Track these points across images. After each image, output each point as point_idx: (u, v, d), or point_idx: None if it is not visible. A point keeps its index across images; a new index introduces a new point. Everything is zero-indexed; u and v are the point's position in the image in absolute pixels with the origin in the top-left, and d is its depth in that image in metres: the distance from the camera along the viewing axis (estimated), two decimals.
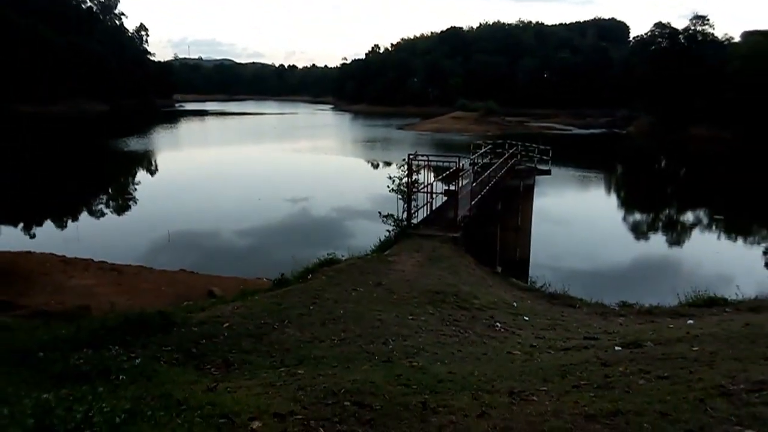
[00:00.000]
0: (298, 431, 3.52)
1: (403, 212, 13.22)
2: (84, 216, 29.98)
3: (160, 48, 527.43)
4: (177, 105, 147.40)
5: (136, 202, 35.15)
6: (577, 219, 31.55)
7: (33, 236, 24.76)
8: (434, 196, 14.82)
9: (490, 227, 18.37)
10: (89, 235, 26.05)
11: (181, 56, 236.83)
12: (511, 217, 23.02)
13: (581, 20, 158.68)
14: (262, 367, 5.67)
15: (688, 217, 34.54)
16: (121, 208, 33.04)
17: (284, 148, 61.20)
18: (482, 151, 22.91)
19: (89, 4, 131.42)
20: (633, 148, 72.88)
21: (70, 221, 28.44)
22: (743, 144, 63.17)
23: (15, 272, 15.84)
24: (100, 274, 17.38)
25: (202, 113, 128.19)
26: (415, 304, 8.15)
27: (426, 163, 14.00)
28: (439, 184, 14.94)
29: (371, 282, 9.25)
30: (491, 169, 19.07)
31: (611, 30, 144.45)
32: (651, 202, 38.71)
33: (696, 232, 30.11)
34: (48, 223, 27.70)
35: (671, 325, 8.12)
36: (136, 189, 39.99)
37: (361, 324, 7.11)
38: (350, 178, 44.76)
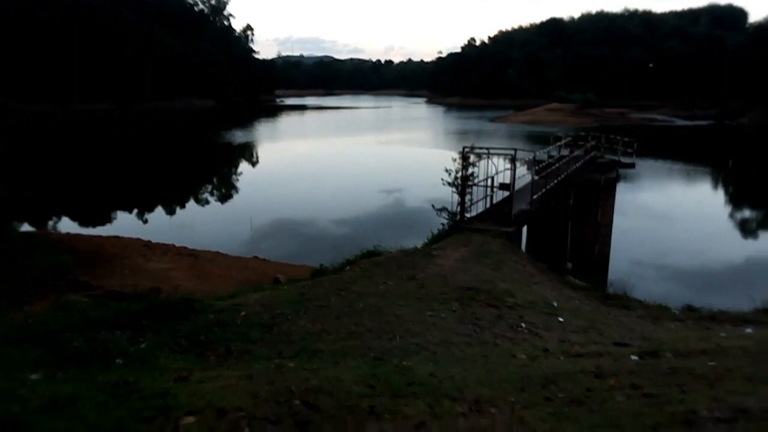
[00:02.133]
0: (227, 429, 3.46)
1: (457, 206, 12.88)
2: (180, 203, 31.95)
3: (266, 46, 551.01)
4: (278, 100, 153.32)
5: (230, 191, 37.27)
6: (672, 215, 29.45)
7: (131, 221, 26.81)
8: (494, 189, 14.30)
9: (559, 222, 17.54)
10: (180, 222, 27.86)
11: (284, 54, 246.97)
12: (590, 213, 21.91)
13: (694, 7, 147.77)
14: (259, 357, 5.69)
15: None
16: (216, 197, 35.03)
17: (377, 140, 62.09)
18: (559, 144, 21.88)
19: (201, 6, 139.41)
20: (746, 141, 66.88)
21: (166, 208, 30.43)
22: None
23: (100, 255, 17.10)
24: (178, 258, 18.37)
25: (301, 107, 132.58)
26: (440, 300, 7.90)
27: (487, 155, 13.52)
28: (502, 177, 14.34)
29: (405, 276, 9.08)
30: (560, 162, 18.10)
31: (727, 16, 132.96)
32: (762, 198, 35.37)
33: None
34: (146, 211, 29.76)
35: (723, 333, 7.36)
36: (232, 178, 42.40)
37: (377, 318, 6.98)
38: (436, 169, 44.56)
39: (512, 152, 13.21)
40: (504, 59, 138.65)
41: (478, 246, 11.29)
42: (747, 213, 31.87)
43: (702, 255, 22.76)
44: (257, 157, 53.26)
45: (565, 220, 18.11)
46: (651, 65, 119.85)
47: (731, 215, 30.69)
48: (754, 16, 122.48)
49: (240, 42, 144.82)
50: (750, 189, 39.01)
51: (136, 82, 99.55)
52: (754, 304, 10.19)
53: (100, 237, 20.02)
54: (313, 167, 43.79)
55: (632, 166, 23.41)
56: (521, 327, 7.19)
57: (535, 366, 5.04)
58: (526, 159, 15.36)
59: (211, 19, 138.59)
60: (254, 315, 7.03)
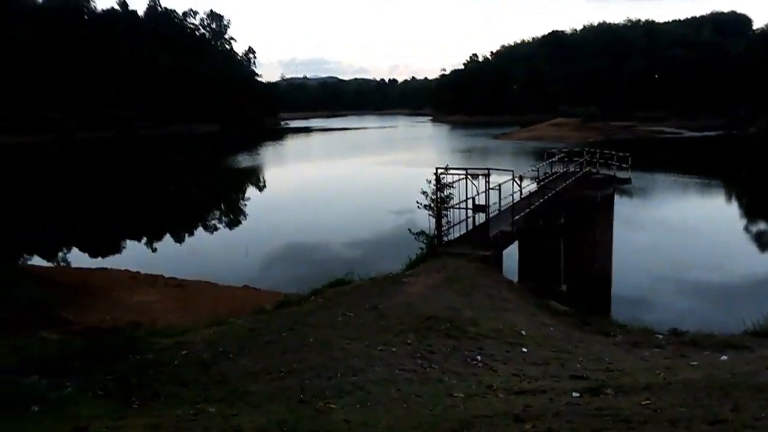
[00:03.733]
0: None
1: (434, 229, 12.60)
2: (176, 231, 31.83)
3: (271, 69, 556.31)
4: (282, 123, 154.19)
5: (229, 217, 37.28)
6: (680, 230, 28.85)
7: (127, 251, 26.74)
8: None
9: (551, 242, 17.13)
10: (174, 251, 27.77)
11: (289, 75, 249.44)
12: (587, 230, 21.45)
13: (697, 15, 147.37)
14: (184, 401, 5.42)
15: None
16: (214, 224, 34.95)
17: (382, 160, 62.10)
18: (552, 160, 21.55)
19: (202, 31, 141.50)
20: (753, 151, 66.08)
21: (161, 237, 30.34)
22: None
23: (85, 288, 16.98)
24: (164, 290, 18.21)
25: (306, 130, 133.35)
26: (397, 332, 7.59)
27: (465, 175, 13.24)
28: (481, 198, 13.95)
29: (368, 306, 8.79)
30: (548, 180, 17.79)
31: (730, 24, 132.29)
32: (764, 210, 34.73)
33: None
34: (142, 240, 29.72)
35: (694, 362, 7.00)
36: (231, 204, 42.48)
37: (323, 354, 6.69)
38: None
39: (491, 171, 12.88)
40: (506, 75, 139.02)
41: (452, 271, 10.98)
42: (759, 226, 31.14)
43: (709, 270, 22.24)
44: (258, 182, 53.44)
45: (556, 240, 17.69)
46: (656, 76, 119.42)
47: (742, 228, 29.95)
48: (758, 23, 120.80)
49: (242, 65, 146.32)
50: (762, 200, 38.33)
51: (139, 109, 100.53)
52: (744, 326, 9.81)
53: (88, 270, 19.92)
54: (315, 191, 43.78)
55: (628, 181, 22.98)
56: (477, 360, 6.86)
57: (463, 408, 4.74)
58: (517, 176, 15.03)
59: (213, 43, 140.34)
60: (196, 353, 6.78)
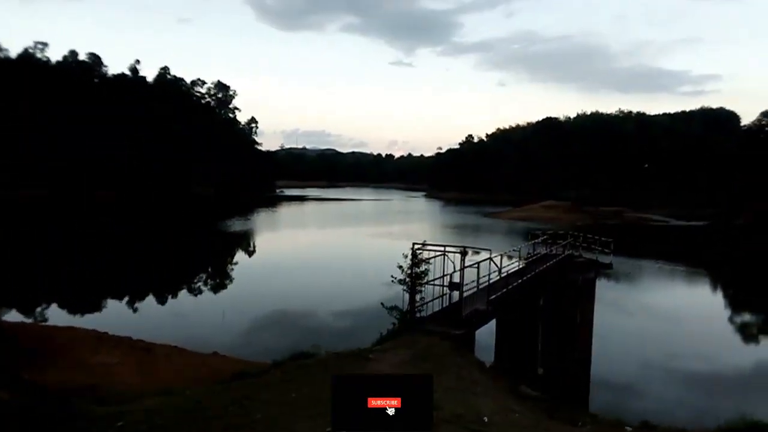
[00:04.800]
0: None
1: (407, 305, 12.32)
2: (156, 293, 31.16)
3: (273, 138, 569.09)
4: (278, 191, 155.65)
5: (214, 281, 36.70)
6: (663, 316, 28.63)
7: (95, 311, 26.05)
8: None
9: (529, 324, 16.83)
10: (149, 312, 27.07)
11: (289, 146, 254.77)
12: (567, 314, 21.16)
13: (687, 110, 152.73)
14: None
15: None
16: (196, 287, 34.29)
17: (374, 232, 62.19)
18: (535, 241, 21.56)
19: (208, 99, 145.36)
20: (739, 241, 66.70)
21: (136, 299, 29.68)
22: None
23: (43, 347, 16.35)
24: (129, 352, 17.55)
25: (301, 198, 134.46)
26: None
27: (443, 252, 13.09)
28: (462, 275, 13.73)
29: (327, 382, 8.38)
30: (527, 261, 17.67)
31: (719, 119, 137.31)
32: (750, 301, 34.57)
33: None
34: (117, 300, 29.06)
35: None
36: (218, 268, 42.01)
37: None
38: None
39: (467, 249, 12.73)
40: (501, 156, 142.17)
41: (421, 349, 10.62)
42: (743, 316, 30.90)
43: (692, 360, 21.94)
44: (244, 248, 53.14)
45: (534, 321, 17.41)
46: (646, 165, 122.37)
47: (726, 318, 29.89)
48: (746, 120, 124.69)
49: (244, 134, 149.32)
50: (746, 290, 38.29)
51: (138, 170, 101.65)
52: (718, 422, 9.51)
53: (51, 327, 19.30)
54: (301, 259, 43.60)
55: (610, 266, 22.94)
56: None
57: None
58: (498, 255, 14.89)
59: (217, 111, 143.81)
60: (132, 426, 6.35)
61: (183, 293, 32.01)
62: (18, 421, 6.06)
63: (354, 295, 28.30)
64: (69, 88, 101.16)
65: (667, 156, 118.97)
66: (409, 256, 12.40)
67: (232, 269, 41.13)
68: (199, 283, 35.28)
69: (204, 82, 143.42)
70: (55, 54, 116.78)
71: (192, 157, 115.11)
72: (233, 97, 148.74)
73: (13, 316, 23.32)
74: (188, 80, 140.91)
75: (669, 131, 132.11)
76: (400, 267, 12.68)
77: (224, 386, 8.24)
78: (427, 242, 12.79)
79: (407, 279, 12.32)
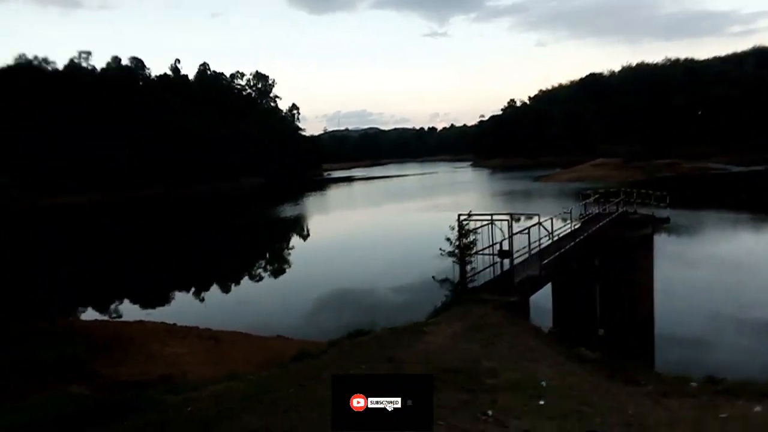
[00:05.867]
0: None
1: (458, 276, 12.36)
2: (215, 283, 32.28)
3: (316, 123, 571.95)
4: (325, 174, 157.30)
5: (269, 267, 37.73)
6: (729, 267, 27.55)
7: (164, 304, 27.21)
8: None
9: (585, 286, 16.58)
10: (213, 302, 28.09)
11: (332, 128, 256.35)
12: (625, 273, 20.72)
13: (738, 51, 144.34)
14: None
15: None
16: (254, 274, 35.37)
17: (425, 206, 62.19)
18: (587, 201, 21.06)
19: (249, 91, 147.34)
20: None
21: (200, 289, 30.81)
22: None
23: (117, 342, 17.25)
24: (197, 342, 18.34)
25: (348, 179, 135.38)
26: None
27: (490, 220, 13.01)
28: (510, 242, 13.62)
29: (384, 357, 8.56)
30: (580, 223, 17.32)
31: None
32: None
33: None
34: (182, 292, 30.24)
35: (724, 414, 6.50)
36: (272, 254, 43.07)
37: (327, 411, 6.48)
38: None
39: (516, 215, 12.64)
40: (545, 117, 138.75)
41: (475, 319, 10.67)
42: None
43: (764, 309, 20.96)
44: (298, 232, 54.21)
45: (591, 283, 17.13)
46: (699, 112, 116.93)
47: None
48: None
49: (286, 121, 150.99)
50: None
51: (187, 166, 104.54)
52: None
53: (122, 323, 20.33)
54: (353, 240, 44.07)
55: (667, 220, 22.21)
56: (487, 415, 6.53)
57: None
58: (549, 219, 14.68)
59: (259, 101, 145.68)
60: (200, 411, 6.68)
61: (244, 281, 33.05)
62: (96, 415, 6.48)
63: (408, 271, 28.42)
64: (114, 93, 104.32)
65: (721, 101, 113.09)
66: (456, 228, 12.38)
67: (289, 254, 42.07)
68: (259, 270, 36.33)
69: (243, 75, 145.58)
70: (98, 62, 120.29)
71: (239, 152, 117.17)
72: (273, 86, 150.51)
73: (88, 314, 24.66)
74: (228, 74, 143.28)
75: (721, 75, 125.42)
76: (448, 239, 12.71)
77: (285, 368, 8.53)
78: (473, 212, 12.72)
79: (456, 251, 12.33)
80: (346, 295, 25.88)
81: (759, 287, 24.11)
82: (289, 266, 37.10)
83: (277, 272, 35.52)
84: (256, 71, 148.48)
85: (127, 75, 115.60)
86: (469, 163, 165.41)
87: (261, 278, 33.90)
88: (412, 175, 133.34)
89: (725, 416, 6.33)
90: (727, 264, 28.16)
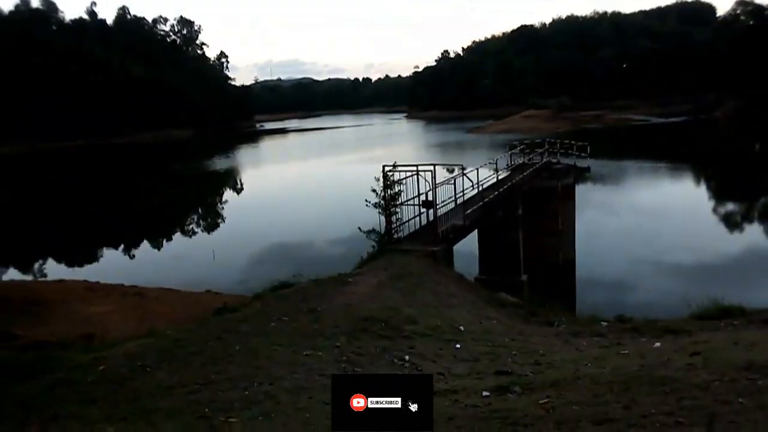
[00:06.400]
0: None
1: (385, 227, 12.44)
2: (142, 239, 31.20)
3: (246, 72, 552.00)
4: (258, 125, 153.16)
5: (196, 223, 36.78)
6: (646, 213, 29.06)
7: (84, 263, 26.13)
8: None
9: (509, 234, 17.09)
10: (140, 258, 27.28)
11: (264, 78, 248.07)
12: (548, 220, 21.55)
13: (662, 5, 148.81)
14: (84, 421, 5.16)
15: None
16: (182, 229, 34.39)
17: (359, 158, 61.77)
18: (512, 152, 21.56)
19: (173, 37, 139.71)
20: (717, 134, 67.14)
21: (125, 246, 29.76)
22: None
23: (35, 303, 16.52)
24: (121, 300, 17.82)
25: (282, 131, 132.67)
26: (328, 336, 7.39)
27: (415, 171, 13.06)
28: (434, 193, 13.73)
29: (305, 309, 8.57)
30: (502, 173, 17.73)
31: (695, 12, 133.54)
32: (733, 192, 35.13)
33: None
34: (102, 248, 29.14)
35: (625, 350, 6.93)
36: (199, 209, 41.94)
37: (246, 363, 6.46)
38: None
39: (446, 167, 12.75)
40: (478, 69, 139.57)
41: (398, 269, 10.81)
42: (726, 206, 31.36)
43: (677, 252, 22.34)
44: (227, 186, 52.96)
45: (515, 231, 17.65)
46: (624, 65, 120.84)
47: (709, 210, 30.14)
48: (722, 11, 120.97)
49: (215, 69, 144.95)
50: (714, 183, 38.83)
51: (110, 117, 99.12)
52: (690, 309, 9.70)
53: (40, 283, 19.47)
54: (285, 193, 43.54)
55: (588, 170, 23.11)
56: (404, 360, 6.70)
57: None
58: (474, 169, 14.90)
59: (184, 48, 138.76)
60: (113, 369, 6.51)
61: (175, 236, 32.18)
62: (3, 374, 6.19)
63: (341, 223, 28.41)
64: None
65: (645, 55, 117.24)
66: (381, 179, 12.38)
67: (221, 208, 41.21)
68: (191, 225, 35.44)
69: (166, 20, 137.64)
70: (5, 3, 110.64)
71: (163, 101, 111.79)
72: (199, 33, 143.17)
73: (5, 275, 23.40)
74: (149, 19, 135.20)
75: (644, 29, 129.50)
76: (374, 190, 12.71)
77: (204, 323, 8.41)
78: (399, 164, 12.73)
79: (381, 202, 12.37)
80: (279, 248, 25.71)
81: (673, 231, 25.64)
82: (222, 220, 36.37)
83: (210, 227, 34.78)
84: (181, 16, 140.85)
85: (38, 17, 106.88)
86: (404, 115, 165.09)
87: (193, 233, 33.11)
88: (347, 127, 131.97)
89: (626, 352, 6.73)
90: (645, 210, 29.70)
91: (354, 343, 7.17)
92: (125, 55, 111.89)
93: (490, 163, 18.29)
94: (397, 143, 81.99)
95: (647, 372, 4.51)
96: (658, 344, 7.17)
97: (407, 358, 6.75)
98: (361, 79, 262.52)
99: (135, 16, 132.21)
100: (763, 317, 8.36)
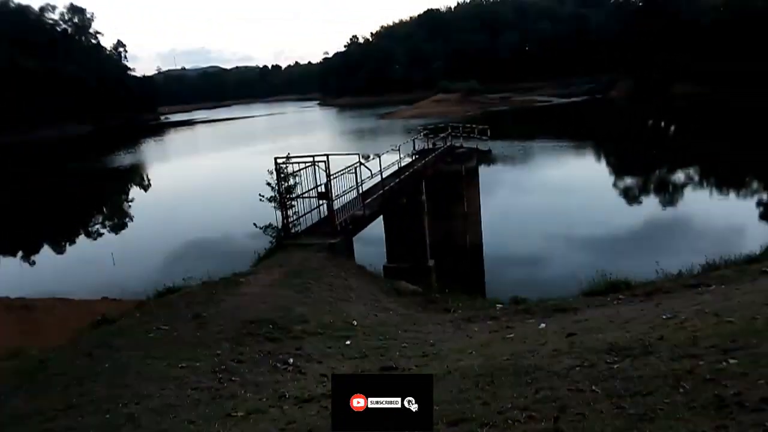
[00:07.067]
0: None
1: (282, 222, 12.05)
2: (29, 246, 29.04)
3: (149, 62, 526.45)
4: (163, 118, 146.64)
5: (101, 224, 34.72)
6: (549, 193, 30.05)
7: None
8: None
9: (414, 220, 17.13)
10: (34, 268, 25.40)
11: (167, 68, 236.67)
12: (453, 204, 21.81)
13: None
14: None
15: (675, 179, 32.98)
16: (80, 232, 32.32)
17: (271, 149, 60.12)
18: (415, 137, 21.65)
19: (63, 26, 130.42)
20: (613, 113, 71.12)
21: (19, 253, 27.66)
22: (729, 96, 61.47)
23: None
24: (4, 314, 16.45)
25: (188, 123, 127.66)
26: (210, 344, 6.99)
27: (312, 162, 12.70)
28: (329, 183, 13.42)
29: (190, 315, 8.09)
30: (405, 159, 17.75)
31: None
32: (629, 167, 37.21)
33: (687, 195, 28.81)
34: None
35: (511, 334, 6.98)
36: (106, 208, 39.73)
37: (112, 382, 5.96)
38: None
39: (345, 157, 12.47)
40: (389, 54, 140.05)
41: (295, 265, 10.48)
42: (623, 183, 32.92)
43: (578, 229, 23.12)
44: (136, 182, 50.37)
45: (419, 217, 17.72)
46: (527, 48, 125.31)
47: (609, 186, 31.55)
48: None
49: (112, 60, 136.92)
50: (613, 160, 41.02)
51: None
52: (580, 286, 9.92)
53: None
54: (189, 189, 41.82)
55: (489, 152, 23.62)
56: (288, 363, 6.43)
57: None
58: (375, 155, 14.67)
59: (77, 38, 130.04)
60: None
61: (70, 242, 30.17)
62: None
63: (244, 218, 27.66)
64: None
65: (546, 38, 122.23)
66: (274, 172, 11.96)
67: (122, 208, 39.04)
68: (89, 227, 33.40)
69: (55, 7, 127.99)
70: None
71: (56, 96, 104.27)
72: (92, 21, 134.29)
73: None
74: (36, 7, 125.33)
75: (544, 12, 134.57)
76: (268, 184, 12.27)
77: (77, 339, 7.76)
78: (291, 155, 12.34)
79: (276, 195, 11.97)
80: (181, 249, 24.56)
81: (577, 208, 26.70)
82: (122, 221, 34.45)
83: (111, 230, 32.80)
84: (71, 4, 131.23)
85: None
86: (317, 102, 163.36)
87: (93, 237, 31.16)
88: (258, 116, 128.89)
89: (511, 336, 6.77)
90: (549, 189, 30.71)
91: (237, 349, 6.83)
92: (11, 46, 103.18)
93: (392, 149, 18.20)
94: (311, 131, 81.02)
95: (514, 362, 4.48)
96: (543, 325, 7.28)
97: (291, 361, 6.49)
98: (270, 67, 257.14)
99: (19, 4, 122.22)
100: (646, 290, 8.70)
